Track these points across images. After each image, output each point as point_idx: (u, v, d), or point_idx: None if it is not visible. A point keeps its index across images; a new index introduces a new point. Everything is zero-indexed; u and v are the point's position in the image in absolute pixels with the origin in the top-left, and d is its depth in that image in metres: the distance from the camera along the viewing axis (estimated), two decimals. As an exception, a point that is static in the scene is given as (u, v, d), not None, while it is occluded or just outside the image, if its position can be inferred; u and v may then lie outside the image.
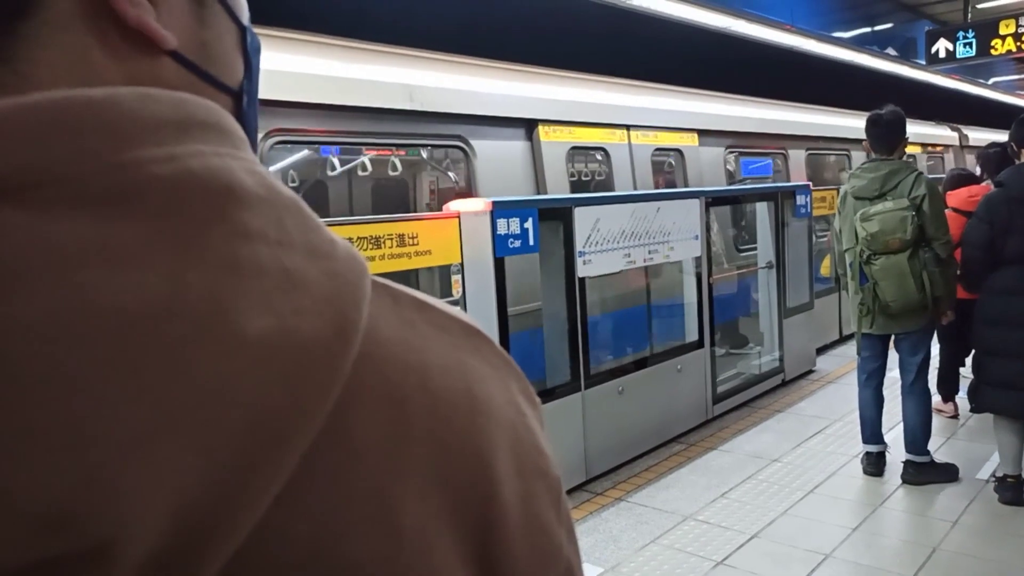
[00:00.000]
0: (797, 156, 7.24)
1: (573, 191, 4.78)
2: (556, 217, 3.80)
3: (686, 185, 5.73)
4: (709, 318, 4.87)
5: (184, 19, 0.36)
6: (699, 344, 4.81)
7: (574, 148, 4.85)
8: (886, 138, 3.64)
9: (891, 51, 11.04)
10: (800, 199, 5.67)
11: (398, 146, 4.27)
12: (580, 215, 3.89)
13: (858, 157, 6.83)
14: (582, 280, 3.91)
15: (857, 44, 10.12)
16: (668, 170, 5.93)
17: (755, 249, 5.80)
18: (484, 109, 4.23)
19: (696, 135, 5.92)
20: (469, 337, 0.39)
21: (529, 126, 4.53)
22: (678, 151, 5.79)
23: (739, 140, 6.52)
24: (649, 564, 3.09)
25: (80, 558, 0.24)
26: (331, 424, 0.30)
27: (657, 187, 5.52)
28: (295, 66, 3.36)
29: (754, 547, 3.19)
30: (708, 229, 4.84)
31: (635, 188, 5.19)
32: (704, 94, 6.37)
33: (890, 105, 3.69)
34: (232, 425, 0.27)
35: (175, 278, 0.27)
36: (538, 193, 4.44)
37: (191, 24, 0.36)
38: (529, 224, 3.56)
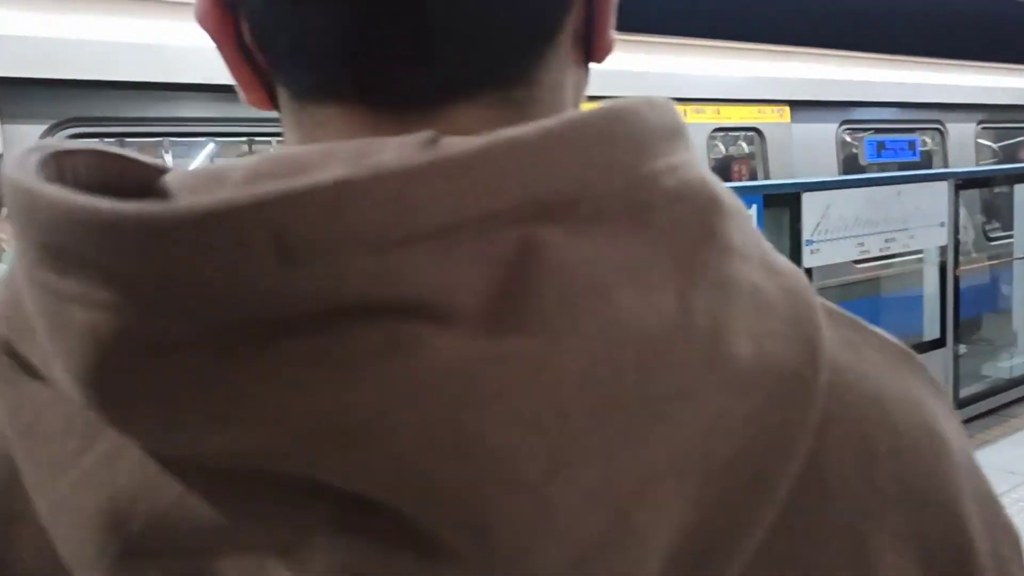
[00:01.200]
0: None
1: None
2: (782, 203, 3.59)
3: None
4: (953, 315, 4.38)
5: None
6: (940, 342, 4.35)
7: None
8: None
9: None
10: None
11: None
12: (808, 201, 3.65)
13: None
14: (809, 271, 3.67)
15: None
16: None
17: (1010, 237, 5.12)
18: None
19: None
20: (906, 361, 0.35)
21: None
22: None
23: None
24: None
25: None
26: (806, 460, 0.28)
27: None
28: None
29: None
30: (956, 215, 4.35)
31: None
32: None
33: None
34: (722, 464, 0.26)
35: (683, 298, 0.26)
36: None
37: None
38: (752, 211, 3.39)
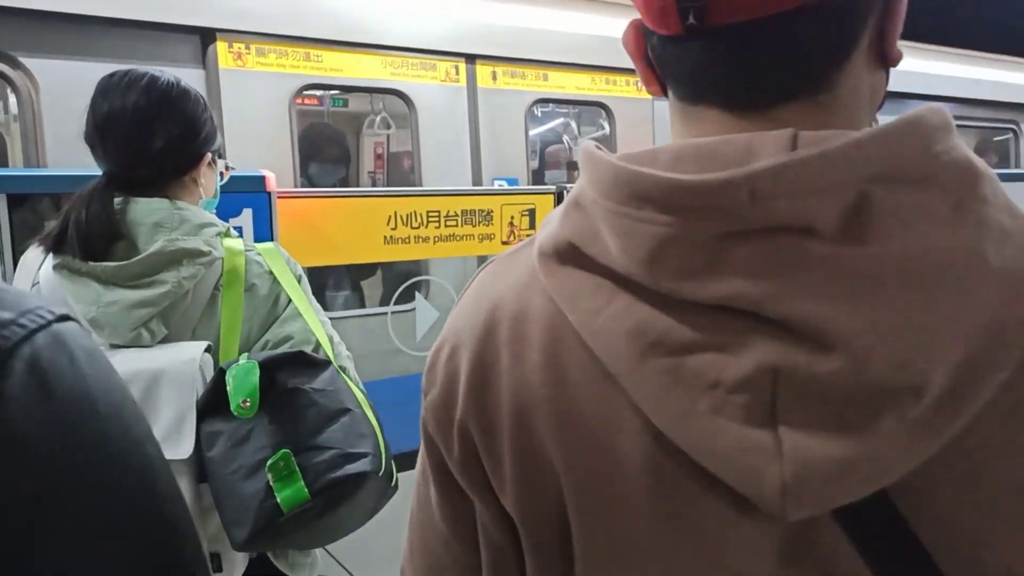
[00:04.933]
0: None
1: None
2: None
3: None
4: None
5: None
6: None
7: None
8: None
9: None
10: None
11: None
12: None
13: None
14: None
15: None
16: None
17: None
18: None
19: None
20: None
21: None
22: None
23: None
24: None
25: (907, 391, 0.42)
26: None
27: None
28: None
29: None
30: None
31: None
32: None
33: None
34: (983, 324, 0.42)
35: (956, 231, 0.43)
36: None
37: None
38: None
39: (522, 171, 3.12)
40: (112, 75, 1.27)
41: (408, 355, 2.62)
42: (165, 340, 1.23)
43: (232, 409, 1.15)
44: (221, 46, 2.32)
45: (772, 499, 0.42)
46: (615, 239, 0.48)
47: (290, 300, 1.32)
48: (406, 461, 2.65)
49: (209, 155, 1.35)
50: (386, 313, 2.61)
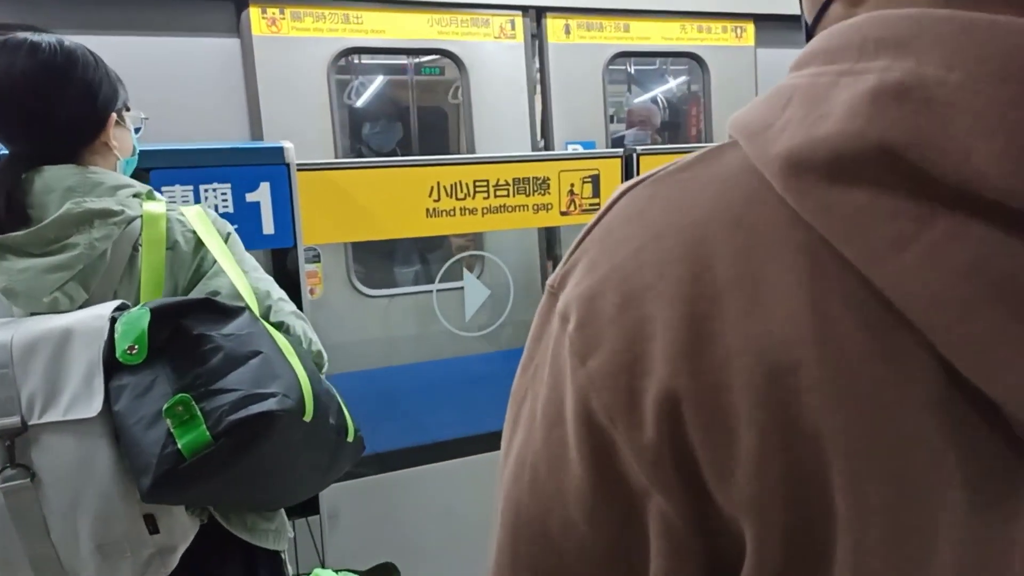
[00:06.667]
0: None
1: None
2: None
3: None
4: None
5: None
6: None
7: None
8: None
9: None
10: None
11: None
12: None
13: None
14: None
15: None
16: None
17: None
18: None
19: None
20: None
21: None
22: None
23: None
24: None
25: None
26: None
27: None
28: None
29: None
30: None
31: None
32: None
33: None
34: None
35: None
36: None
37: None
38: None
39: (600, 134, 2.85)
40: None
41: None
42: (87, 304, 1.18)
43: (118, 356, 1.09)
44: (254, 12, 2.22)
45: None
46: (993, 140, 0.36)
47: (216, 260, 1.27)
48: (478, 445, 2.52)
49: (114, 115, 1.28)
50: (431, 291, 2.44)
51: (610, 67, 2.87)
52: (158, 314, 1.12)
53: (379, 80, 4.37)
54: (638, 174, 3.02)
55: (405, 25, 2.43)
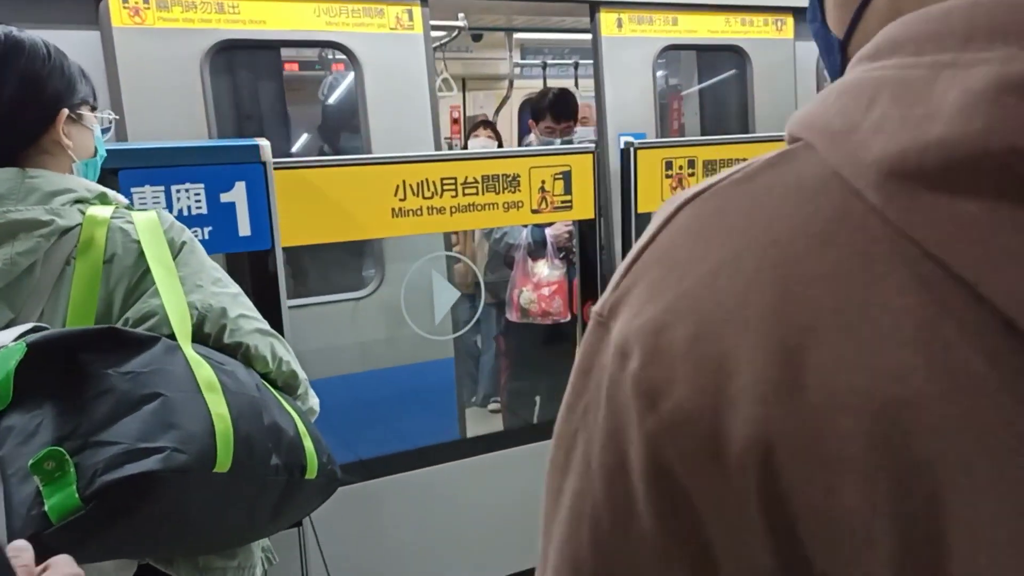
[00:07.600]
0: None
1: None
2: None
3: None
4: None
5: None
6: None
7: None
8: None
9: None
10: None
11: None
12: None
13: None
14: None
15: None
16: None
17: None
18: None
19: None
20: None
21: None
22: None
23: None
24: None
25: None
26: None
27: None
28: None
29: None
30: None
31: None
32: None
33: None
34: None
35: None
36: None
37: None
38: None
39: (650, 125, 2.83)
40: None
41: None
42: (13, 323, 1.07)
43: None
44: (113, 3, 2.03)
45: None
46: None
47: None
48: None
49: (66, 111, 1.17)
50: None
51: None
52: (44, 348, 0.96)
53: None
54: (622, 171, 2.88)
55: (289, 15, 2.25)
